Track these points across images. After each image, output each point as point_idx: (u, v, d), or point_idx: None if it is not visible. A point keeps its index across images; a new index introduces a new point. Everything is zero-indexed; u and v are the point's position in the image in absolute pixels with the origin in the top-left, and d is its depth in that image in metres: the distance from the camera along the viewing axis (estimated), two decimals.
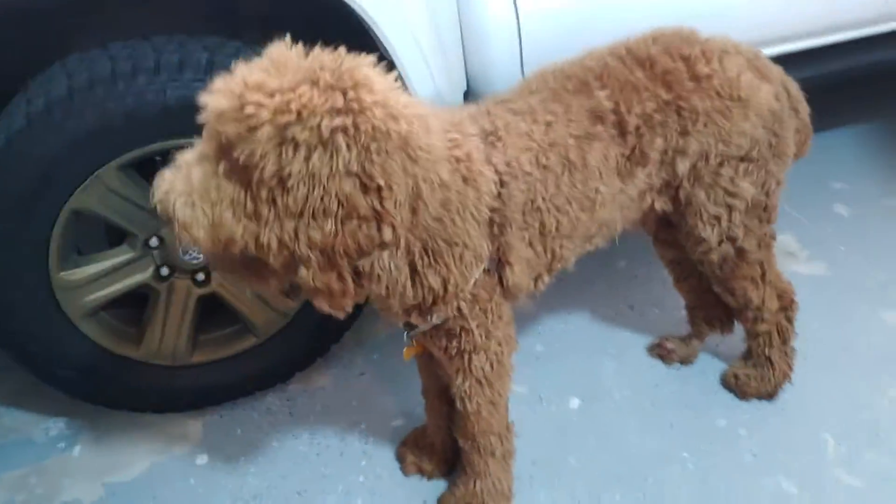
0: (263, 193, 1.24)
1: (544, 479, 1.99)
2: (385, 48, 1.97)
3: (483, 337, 1.63)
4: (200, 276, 2.09)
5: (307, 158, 1.21)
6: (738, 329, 2.21)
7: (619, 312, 2.50)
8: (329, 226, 1.24)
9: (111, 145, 1.85)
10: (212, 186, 1.27)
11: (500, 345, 1.66)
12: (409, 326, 1.62)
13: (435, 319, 1.58)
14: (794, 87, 1.85)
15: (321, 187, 1.22)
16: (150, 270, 2.05)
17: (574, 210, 1.68)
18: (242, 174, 1.24)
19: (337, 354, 2.38)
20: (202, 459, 2.12)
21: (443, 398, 1.91)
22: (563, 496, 1.95)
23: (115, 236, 2.11)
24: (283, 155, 1.21)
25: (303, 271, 1.29)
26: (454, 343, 1.62)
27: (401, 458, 2.06)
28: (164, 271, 2.06)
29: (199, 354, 2.19)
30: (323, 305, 1.36)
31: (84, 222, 1.99)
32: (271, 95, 1.21)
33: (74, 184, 1.87)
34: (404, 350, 1.73)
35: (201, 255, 2.04)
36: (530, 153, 1.60)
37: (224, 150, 1.25)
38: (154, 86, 1.82)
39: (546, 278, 1.76)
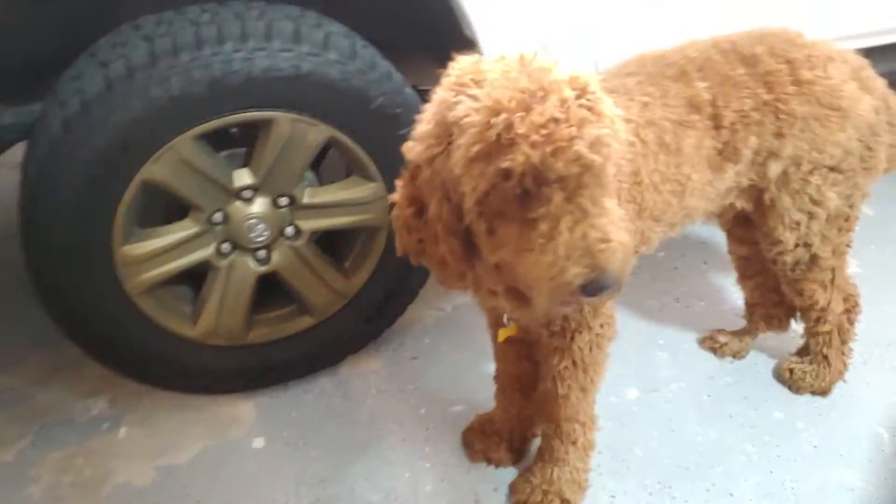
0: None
1: (612, 469, 1.99)
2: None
3: (590, 314, 1.62)
4: (261, 254, 2.03)
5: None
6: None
7: (664, 305, 2.51)
8: None
9: (192, 113, 1.78)
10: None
11: (602, 326, 1.65)
12: None
13: None
14: (895, 102, 1.85)
15: None
16: (213, 247, 1.98)
17: (667, 192, 1.67)
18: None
19: (386, 338, 2.34)
20: (259, 443, 2.05)
21: (517, 385, 1.89)
22: (633, 486, 1.95)
23: (174, 211, 2.02)
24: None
25: None
26: (559, 320, 1.60)
27: (467, 445, 2.03)
28: (226, 248, 1.99)
29: (253, 334, 2.12)
30: None
31: (148, 195, 1.90)
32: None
33: (148, 153, 1.79)
34: (499, 332, 1.70)
35: (266, 233, 1.98)
36: (630, 125, 1.57)
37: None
38: (241, 53, 1.75)
39: (632, 260, 1.75)
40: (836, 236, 1.89)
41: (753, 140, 1.71)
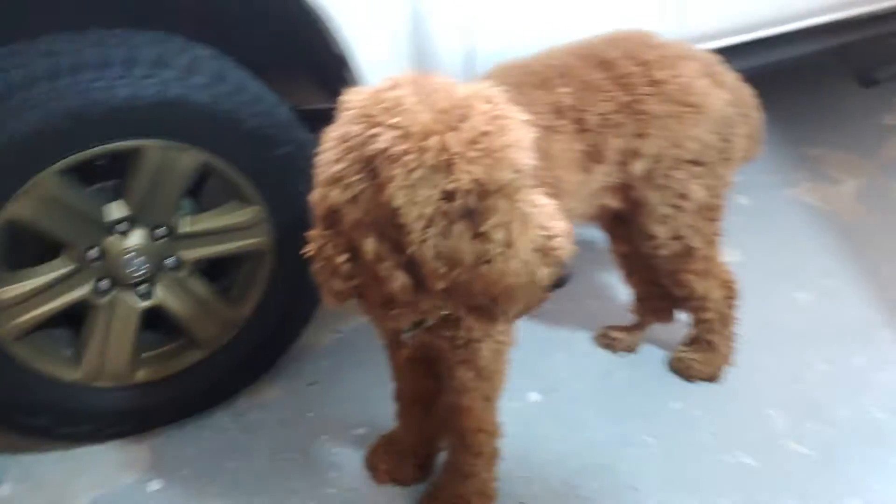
0: None
1: (519, 475, 1.98)
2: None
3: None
4: (143, 289, 1.95)
5: None
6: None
7: (558, 305, 2.52)
8: None
9: (53, 148, 1.69)
10: None
11: (503, 334, 1.65)
12: (415, 325, 1.57)
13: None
14: (748, 93, 1.93)
15: None
16: (90, 285, 1.89)
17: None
18: None
19: (283, 365, 2.27)
20: (155, 485, 1.96)
21: (419, 401, 1.88)
22: (541, 490, 1.96)
23: (46, 250, 1.92)
24: None
25: None
26: (462, 332, 1.58)
27: (371, 467, 1.99)
28: (104, 285, 1.90)
29: (142, 373, 2.03)
30: None
31: (14, 234, 1.80)
32: None
33: (9, 191, 1.69)
34: (403, 352, 1.68)
35: (146, 267, 1.91)
36: None
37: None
38: (100, 82, 1.68)
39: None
40: (706, 226, 1.95)
41: (617, 141, 1.76)
